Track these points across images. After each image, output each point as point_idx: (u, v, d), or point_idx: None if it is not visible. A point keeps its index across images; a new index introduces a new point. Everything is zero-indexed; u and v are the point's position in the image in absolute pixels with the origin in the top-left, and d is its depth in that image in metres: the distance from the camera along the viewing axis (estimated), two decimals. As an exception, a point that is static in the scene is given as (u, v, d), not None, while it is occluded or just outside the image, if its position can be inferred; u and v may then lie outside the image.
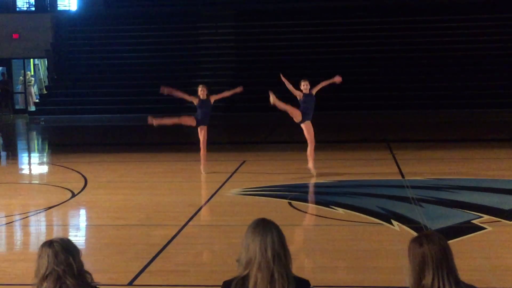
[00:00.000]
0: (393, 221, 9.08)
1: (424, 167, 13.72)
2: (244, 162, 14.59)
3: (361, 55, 28.68)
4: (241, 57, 29.99)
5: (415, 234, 7.77)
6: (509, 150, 15.96)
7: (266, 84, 27.28)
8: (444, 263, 3.44)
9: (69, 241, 3.67)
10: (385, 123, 23.19)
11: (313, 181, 12.39)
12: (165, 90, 13.25)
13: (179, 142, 19.85)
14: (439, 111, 25.27)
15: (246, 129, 23.04)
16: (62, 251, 3.56)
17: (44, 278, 3.55)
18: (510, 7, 29.02)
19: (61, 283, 3.54)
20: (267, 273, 3.52)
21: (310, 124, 12.74)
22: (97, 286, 3.72)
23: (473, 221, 9.02)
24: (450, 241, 3.59)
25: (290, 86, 12.96)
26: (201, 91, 13.16)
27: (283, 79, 13.10)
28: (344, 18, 30.01)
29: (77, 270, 3.57)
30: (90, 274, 3.69)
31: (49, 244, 3.60)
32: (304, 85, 12.79)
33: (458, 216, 9.37)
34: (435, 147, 16.77)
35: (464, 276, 3.59)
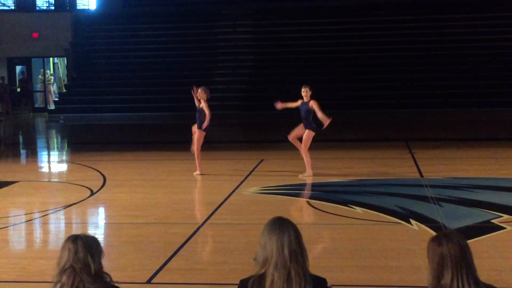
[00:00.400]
0: (411, 221, 9.04)
1: (443, 166, 13.65)
2: (262, 160, 14.60)
3: (380, 54, 28.56)
4: (259, 55, 29.97)
5: (434, 233, 7.75)
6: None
7: (285, 82, 27.44)
8: (463, 263, 3.43)
9: (94, 240, 3.74)
10: (404, 122, 23.09)
11: (331, 180, 12.36)
12: (278, 105, 12.86)
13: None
14: (459, 110, 25.10)
15: (264, 128, 23.02)
16: (83, 249, 3.63)
17: (63, 271, 3.65)
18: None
19: (78, 280, 3.62)
20: (284, 272, 3.52)
21: (305, 133, 12.32)
22: (116, 286, 3.75)
23: (493, 221, 8.97)
24: (469, 241, 3.57)
25: (291, 105, 12.66)
26: (200, 93, 12.87)
27: (281, 106, 12.67)
28: (363, 16, 29.91)
29: (95, 270, 3.64)
30: (109, 275, 3.75)
31: (73, 239, 3.69)
32: (304, 92, 12.38)
33: (477, 216, 9.31)
34: (454, 146, 16.68)
35: (483, 275, 3.57)
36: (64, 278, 3.63)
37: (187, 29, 30.71)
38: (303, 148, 12.41)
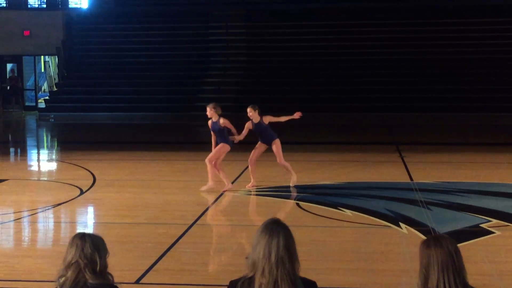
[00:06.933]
0: (401, 224, 9.06)
1: (433, 170, 13.68)
2: (252, 162, 14.58)
3: (372, 57, 28.60)
4: (251, 57, 29.98)
5: (423, 237, 7.77)
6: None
7: (276, 84, 27.46)
8: (451, 267, 3.43)
9: (101, 240, 3.81)
10: (394, 126, 23.14)
11: (321, 182, 12.37)
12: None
13: (188, 142, 19.88)
14: (449, 114, 25.19)
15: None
16: (90, 246, 3.70)
17: (69, 266, 3.70)
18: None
19: (81, 275, 3.67)
20: (271, 279, 3.50)
21: (275, 145, 11.74)
22: (117, 286, 3.81)
23: (482, 225, 8.99)
24: (457, 245, 3.58)
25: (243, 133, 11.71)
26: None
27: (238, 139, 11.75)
28: (355, 19, 29.96)
29: (100, 268, 3.70)
30: (112, 275, 3.80)
31: (81, 236, 3.76)
32: (249, 113, 11.67)
33: (466, 220, 9.34)
34: (444, 150, 16.73)
35: (471, 280, 3.58)
36: (69, 273, 3.68)
37: (179, 29, 30.69)
38: (281, 158, 11.75)
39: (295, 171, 11.93)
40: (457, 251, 3.50)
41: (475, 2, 29.49)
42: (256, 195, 11.41)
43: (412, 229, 8.78)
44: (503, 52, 27.97)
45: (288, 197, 11.14)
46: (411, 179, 12.58)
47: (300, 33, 29.95)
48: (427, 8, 29.99)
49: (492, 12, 29.14)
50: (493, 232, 8.64)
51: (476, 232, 8.65)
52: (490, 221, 9.21)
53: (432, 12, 29.80)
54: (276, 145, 11.77)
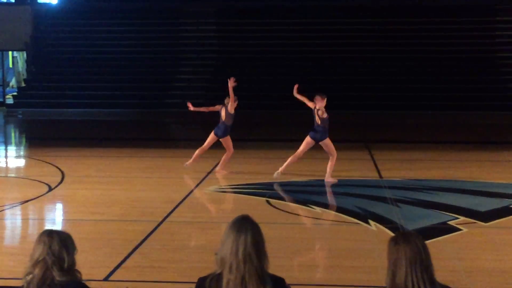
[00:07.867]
0: (370, 221, 9.12)
1: (402, 167, 13.79)
2: (222, 159, 14.57)
3: (342, 55, 28.75)
4: (221, 54, 29.95)
5: (391, 234, 7.83)
6: (485, 153, 16.11)
7: (247, 81, 27.44)
8: (418, 263, 3.48)
9: (69, 237, 3.79)
10: (364, 123, 23.27)
11: (291, 179, 12.41)
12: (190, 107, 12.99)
13: (158, 138, 19.79)
14: (418, 112, 25.41)
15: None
16: (58, 243, 3.69)
17: (36, 263, 3.68)
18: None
19: (48, 273, 3.66)
20: (238, 275, 3.52)
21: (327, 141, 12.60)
22: (84, 284, 3.77)
23: (449, 222, 9.09)
24: (425, 242, 3.62)
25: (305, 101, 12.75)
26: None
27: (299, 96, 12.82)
28: (326, 17, 30.05)
29: (67, 265, 3.69)
30: (80, 272, 3.79)
31: (48, 233, 3.74)
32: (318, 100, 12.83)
33: (434, 217, 9.43)
34: (413, 148, 16.88)
35: (438, 277, 3.62)
36: (36, 270, 3.66)
37: (151, 26, 30.55)
38: (300, 153, 12.42)
39: (265, 169, 11.95)
40: (425, 248, 3.54)
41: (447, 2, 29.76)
42: (227, 192, 11.40)
43: (381, 226, 8.84)
44: (477, 51, 28.30)
45: (259, 194, 11.15)
46: (380, 176, 12.67)
47: (270, 31, 30.02)
48: (404, 6, 30.08)
49: (454, 11, 29.42)
50: (460, 229, 8.74)
51: (444, 229, 8.74)
52: (458, 218, 9.31)
53: (408, 11, 29.94)
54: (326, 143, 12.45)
